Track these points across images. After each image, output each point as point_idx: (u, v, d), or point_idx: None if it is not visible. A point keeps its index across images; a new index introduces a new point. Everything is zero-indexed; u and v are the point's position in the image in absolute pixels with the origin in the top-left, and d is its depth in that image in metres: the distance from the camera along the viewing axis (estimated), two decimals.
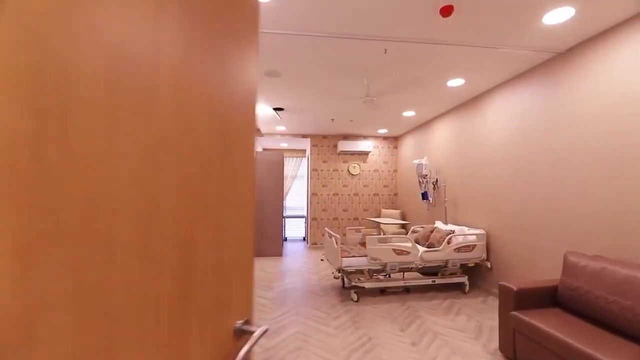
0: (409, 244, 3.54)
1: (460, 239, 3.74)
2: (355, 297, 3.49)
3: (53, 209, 0.25)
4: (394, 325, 2.88)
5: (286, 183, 7.98)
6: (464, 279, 3.80)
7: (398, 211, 6.33)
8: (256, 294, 3.73)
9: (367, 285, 3.52)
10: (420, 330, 2.79)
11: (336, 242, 3.44)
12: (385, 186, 6.85)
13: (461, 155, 4.38)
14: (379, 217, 6.79)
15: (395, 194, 6.87)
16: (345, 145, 6.50)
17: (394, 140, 6.92)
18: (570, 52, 2.75)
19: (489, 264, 3.76)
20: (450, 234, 3.82)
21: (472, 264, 3.79)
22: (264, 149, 7.97)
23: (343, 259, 3.40)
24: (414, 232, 4.55)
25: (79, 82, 0.27)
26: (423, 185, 5.16)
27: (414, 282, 3.68)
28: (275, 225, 5.90)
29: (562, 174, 2.81)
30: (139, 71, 0.35)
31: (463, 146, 4.34)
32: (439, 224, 4.44)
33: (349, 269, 3.45)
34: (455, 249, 3.65)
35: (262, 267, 5.06)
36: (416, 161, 5.13)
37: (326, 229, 4.00)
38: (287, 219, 8.01)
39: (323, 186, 6.67)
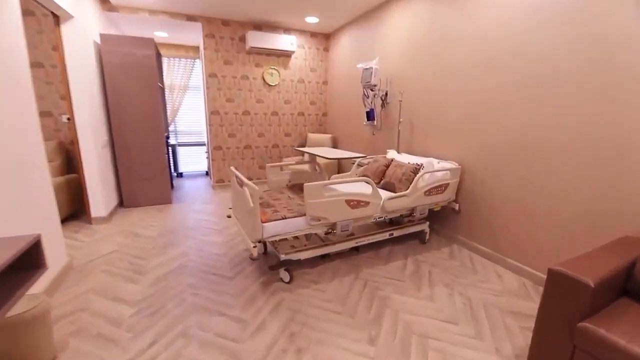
0: (369, 190, 2.28)
1: (427, 177, 2.66)
2: (286, 276, 2.20)
3: None
4: (357, 330, 1.74)
5: (174, 96, 5.60)
6: (425, 226, 2.88)
7: (328, 136, 5.00)
8: (110, 291, 2.07)
9: (304, 255, 2.24)
10: (399, 335, 1.72)
11: (251, 197, 1.90)
12: (312, 103, 5.28)
13: (431, 58, 3.05)
14: (304, 144, 5.37)
15: (325, 114, 5.43)
16: (257, 39, 4.43)
17: (324, 39, 5.12)
18: None
19: (457, 206, 2.88)
20: (417, 168, 2.70)
21: (439, 208, 2.85)
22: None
23: (265, 225, 1.95)
24: (359, 166, 3.33)
25: None
26: (369, 100, 3.80)
27: (366, 240, 2.56)
28: (155, 158, 3.90)
29: (602, 84, 1.75)
30: None
31: (435, 44, 2.98)
32: (392, 154, 3.28)
33: (276, 238, 2.05)
34: (426, 191, 2.58)
35: (132, 227, 3.25)
36: (362, 65, 3.63)
37: (233, 170, 2.38)
38: (180, 148, 5.89)
39: (228, 101, 4.69)
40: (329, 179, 3.08)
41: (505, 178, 2.44)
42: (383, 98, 3.72)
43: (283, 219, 2.00)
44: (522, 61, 2.24)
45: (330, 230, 2.19)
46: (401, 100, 3.35)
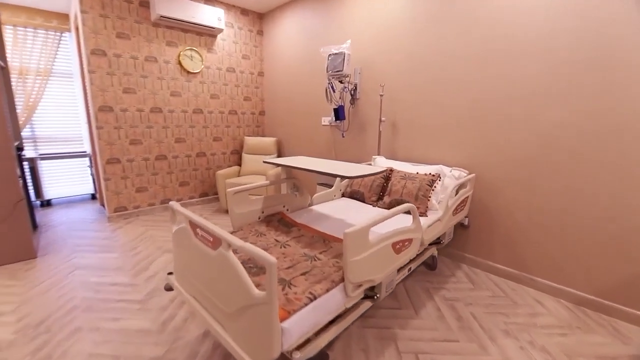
0: (411, 223, 1.54)
1: (439, 189, 2.12)
2: None
3: None
4: None
5: (29, 85, 3.67)
6: (434, 250, 2.33)
7: (272, 139, 4.05)
8: None
9: (329, 337, 1.34)
10: None
11: (268, 279, 0.93)
12: (246, 99, 4.22)
13: (423, 43, 2.50)
14: (240, 150, 4.26)
15: (262, 113, 4.43)
16: (169, 6, 3.16)
17: (257, 19, 4.12)
18: None
19: (466, 221, 2.42)
20: (434, 180, 2.11)
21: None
22: None
23: (287, 325, 0.99)
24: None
25: None
26: (336, 95, 3.06)
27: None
28: None
29: None
30: None
31: (430, 26, 2.45)
32: (382, 161, 2.63)
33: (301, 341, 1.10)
34: (454, 209, 2.01)
35: None
36: (328, 50, 2.85)
37: (179, 210, 1.29)
38: (44, 163, 3.95)
39: (126, 92, 3.24)
40: (310, 202, 2.22)
41: (533, 186, 2.06)
42: (352, 93, 3.04)
43: (312, 300, 1.08)
44: (556, 46, 1.87)
45: (372, 295, 1.36)
46: (382, 95, 2.72)
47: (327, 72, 2.89)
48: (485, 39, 2.15)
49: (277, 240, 1.59)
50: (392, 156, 2.84)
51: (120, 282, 2.14)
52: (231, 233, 1.74)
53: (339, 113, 2.99)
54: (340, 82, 2.94)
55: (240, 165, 4.17)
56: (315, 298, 1.08)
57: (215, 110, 3.91)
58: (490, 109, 2.19)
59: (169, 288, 1.48)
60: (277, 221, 1.86)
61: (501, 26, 2.07)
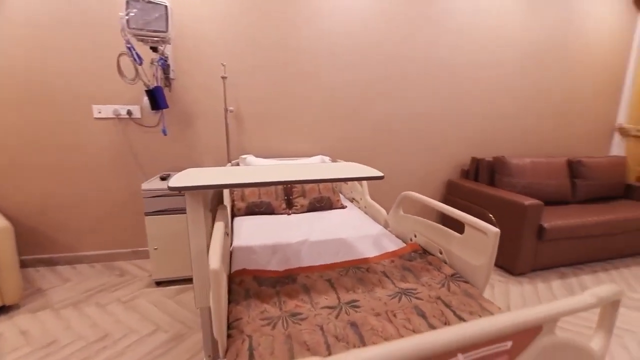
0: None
1: None
2: None
3: None
4: None
5: None
6: None
7: None
8: None
9: None
10: None
11: None
12: None
13: (274, 33, 2.18)
14: None
15: None
16: None
17: None
18: None
19: None
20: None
21: None
22: None
23: None
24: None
25: None
26: (151, 69, 1.90)
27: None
28: None
29: (457, 81, 2.56)
30: None
31: (279, 12, 2.16)
32: (254, 160, 2.10)
33: None
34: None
35: None
36: None
37: None
38: None
39: None
40: (231, 239, 1.47)
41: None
42: (165, 70, 2.06)
43: None
44: (379, 54, 2.43)
45: None
46: (225, 77, 2.10)
47: (127, 28, 1.73)
48: (322, 38, 2.32)
49: (329, 307, 0.95)
50: (243, 153, 2.35)
51: None
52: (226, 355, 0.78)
53: (157, 98, 1.94)
54: (154, 50, 1.88)
55: None
56: None
57: None
58: (340, 103, 2.45)
59: None
60: (258, 284, 1.06)
61: (339, 30, 2.32)
